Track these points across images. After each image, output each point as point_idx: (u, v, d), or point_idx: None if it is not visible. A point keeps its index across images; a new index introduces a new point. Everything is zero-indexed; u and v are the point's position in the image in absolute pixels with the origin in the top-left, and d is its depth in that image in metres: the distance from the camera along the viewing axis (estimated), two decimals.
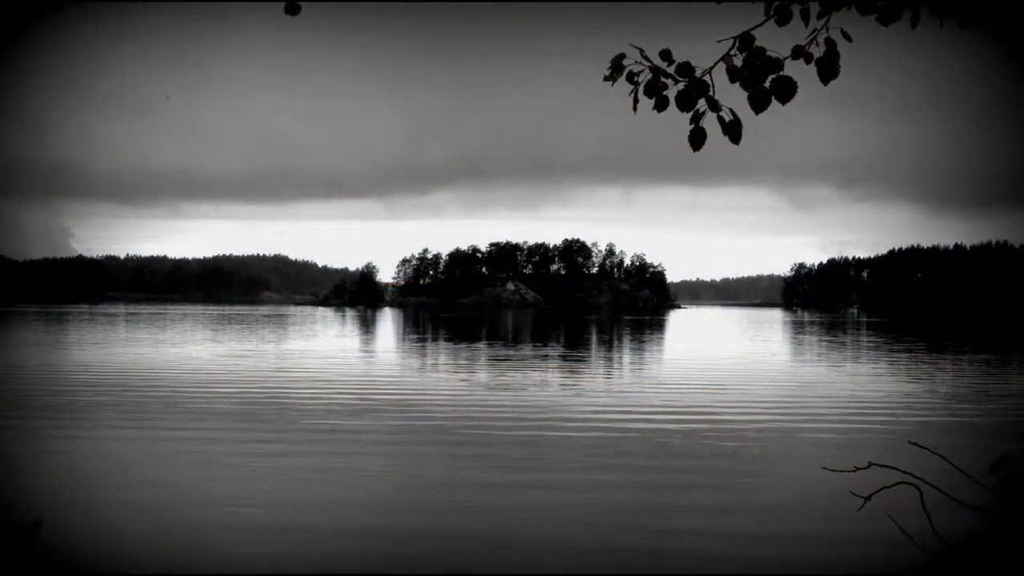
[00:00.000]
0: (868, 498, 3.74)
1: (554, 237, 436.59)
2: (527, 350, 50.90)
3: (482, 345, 56.34)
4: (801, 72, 4.42)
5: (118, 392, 26.47)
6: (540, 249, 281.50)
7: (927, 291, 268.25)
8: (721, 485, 14.44)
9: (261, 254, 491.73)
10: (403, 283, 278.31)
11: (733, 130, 4.44)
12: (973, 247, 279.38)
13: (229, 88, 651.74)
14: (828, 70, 4.44)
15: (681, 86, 4.47)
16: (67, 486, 13.99)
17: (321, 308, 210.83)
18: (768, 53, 4.42)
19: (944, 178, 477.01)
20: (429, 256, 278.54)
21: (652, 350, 55.67)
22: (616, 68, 4.47)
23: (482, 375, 34.27)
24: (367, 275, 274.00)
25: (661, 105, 4.48)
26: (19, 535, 5.12)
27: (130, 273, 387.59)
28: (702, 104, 4.48)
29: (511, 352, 48.81)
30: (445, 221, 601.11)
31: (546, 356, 46.03)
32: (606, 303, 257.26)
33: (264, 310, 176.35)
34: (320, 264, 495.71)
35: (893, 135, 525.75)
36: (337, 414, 22.22)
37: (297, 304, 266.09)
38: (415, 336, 71.77)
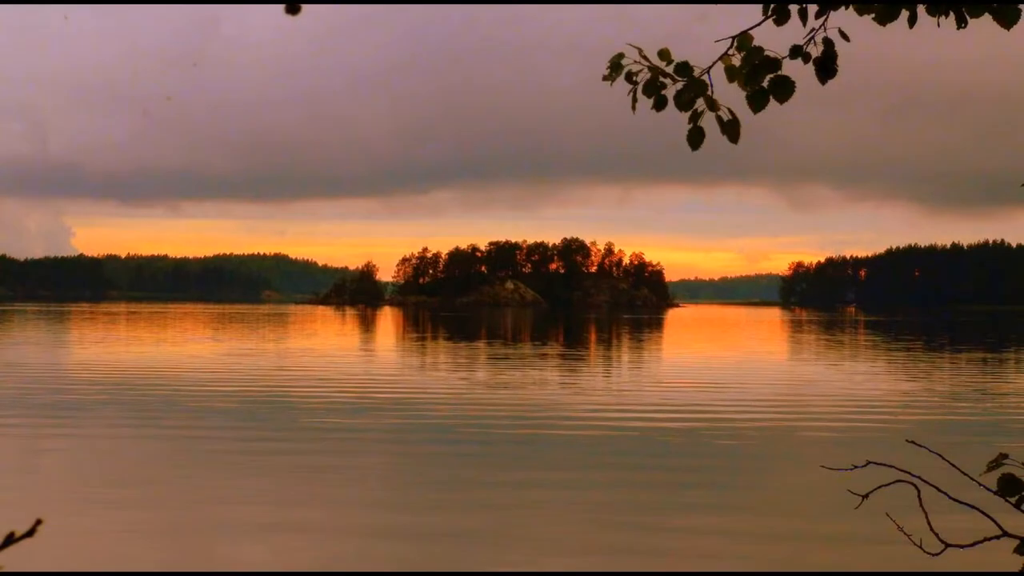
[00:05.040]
0: (866, 496, 3.75)
1: (553, 236, 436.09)
2: (526, 349, 50.88)
3: (481, 344, 56.32)
4: (799, 72, 4.43)
5: (119, 390, 26.48)
6: (539, 248, 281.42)
7: (925, 290, 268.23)
8: (721, 484, 14.45)
9: (261, 254, 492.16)
10: (403, 282, 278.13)
11: (731, 129, 4.45)
12: (970, 246, 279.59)
13: (229, 88, 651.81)
14: (826, 70, 4.45)
15: (679, 86, 4.48)
16: (67, 486, 14.00)
17: (321, 307, 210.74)
18: (766, 53, 4.42)
19: (942, 178, 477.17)
20: (429, 255, 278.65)
21: (651, 349, 55.66)
22: (615, 68, 4.48)
23: (481, 374, 34.27)
24: (367, 274, 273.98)
25: (660, 105, 4.49)
26: (19, 535, 5.13)
27: (130, 272, 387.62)
28: (700, 104, 4.49)
29: (510, 351, 48.79)
30: (445, 221, 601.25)
31: (545, 355, 46.03)
32: (605, 302, 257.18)
33: (264, 309, 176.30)
34: (320, 263, 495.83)
35: (892, 135, 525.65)
36: (337, 412, 22.23)
37: (297, 303, 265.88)
38: (415, 335, 71.75)
